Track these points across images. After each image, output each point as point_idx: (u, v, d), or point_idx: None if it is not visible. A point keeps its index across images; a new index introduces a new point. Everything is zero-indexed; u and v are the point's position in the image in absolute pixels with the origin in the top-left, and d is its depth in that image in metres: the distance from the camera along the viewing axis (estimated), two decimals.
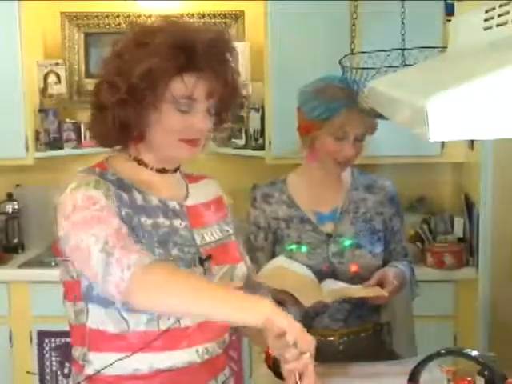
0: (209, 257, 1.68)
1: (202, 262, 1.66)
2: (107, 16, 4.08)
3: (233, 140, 4.00)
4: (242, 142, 3.96)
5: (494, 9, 1.50)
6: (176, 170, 1.76)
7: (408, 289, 2.41)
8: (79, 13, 4.11)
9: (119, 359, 1.58)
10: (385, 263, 2.38)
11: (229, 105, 1.72)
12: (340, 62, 2.46)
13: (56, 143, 3.92)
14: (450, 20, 3.24)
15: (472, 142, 3.46)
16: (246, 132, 3.93)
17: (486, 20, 1.54)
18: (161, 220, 1.66)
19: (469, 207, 3.63)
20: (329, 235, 2.36)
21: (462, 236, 3.70)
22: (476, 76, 1.09)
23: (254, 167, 3.91)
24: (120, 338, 1.59)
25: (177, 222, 1.68)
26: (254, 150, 3.88)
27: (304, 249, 2.33)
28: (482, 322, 3.36)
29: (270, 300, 1.48)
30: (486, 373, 1.74)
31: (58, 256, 1.64)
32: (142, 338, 1.58)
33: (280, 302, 2.26)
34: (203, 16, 4.07)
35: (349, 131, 2.29)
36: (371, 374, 2.17)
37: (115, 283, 1.43)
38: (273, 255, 2.38)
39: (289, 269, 2.26)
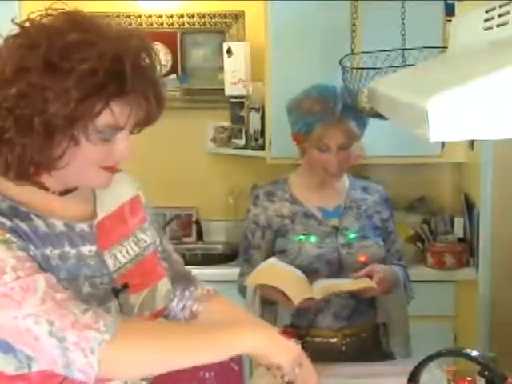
0: (125, 285, 1.49)
1: (116, 293, 1.47)
2: (107, 16, 4.07)
3: (233, 140, 4.00)
4: (242, 142, 3.95)
5: (494, 9, 1.50)
6: (64, 192, 1.48)
7: (402, 291, 2.43)
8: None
9: None
10: None
11: (152, 119, 1.44)
12: (340, 62, 2.46)
13: None
14: (450, 20, 3.24)
15: (472, 142, 3.46)
16: (246, 132, 3.93)
17: (486, 20, 1.54)
18: (67, 249, 1.41)
19: (469, 207, 3.62)
20: (335, 228, 2.39)
21: (462, 236, 3.70)
22: (476, 76, 1.09)
23: (254, 167, 3.91)
24: (19, 378, 1.38)
25: (84, 249, 1.45)
26: (254, 150, 3.88)
27: (313, 239, 2.36)
28: (482, 322, 3.35)
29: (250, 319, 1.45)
30: (486, 373, 1.73)
31: None
32: (45, 378, 1.38)
33: (271, 302, 2.30)
34: (203, 16, 4.06)
35: (329, 143, 2.33)
36: (371, 374, 2.17)
37: (82, 370, 1.28)
38: (271, 253, 2.40)
39: (279, 267, 2.28)
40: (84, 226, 1.47)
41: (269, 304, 2.32)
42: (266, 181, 2.57)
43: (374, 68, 2.29)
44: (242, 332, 1.38)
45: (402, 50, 2.39)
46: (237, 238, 2.83)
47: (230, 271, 3.07)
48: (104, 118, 1.33)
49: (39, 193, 1.42)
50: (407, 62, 2.33)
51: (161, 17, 4.03)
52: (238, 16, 4.07)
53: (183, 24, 4.04)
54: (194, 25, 4.04)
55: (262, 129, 3.80)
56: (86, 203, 1.51)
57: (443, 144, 3.55)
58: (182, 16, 4.04)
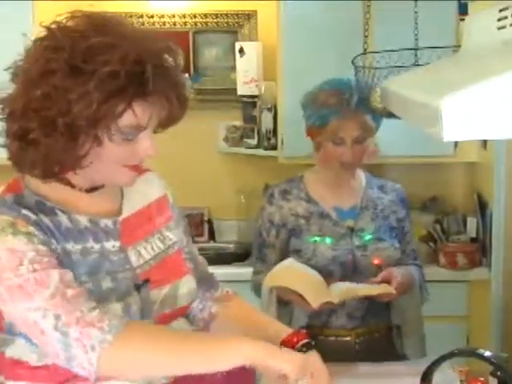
0: (146, 281, 1.52)
1: (138, 288, 1.50)
2: (130, 17, 4.08)
3: (245, 140, 4.00)
4: (254, 141, 3.95)
5: (507, 8, 1.49)
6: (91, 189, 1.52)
7: (417, 291, 2.42)
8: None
9: None
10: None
11: (175, 119, 1.48)
12: (353, 62, 2.46)
13: None
14: (463, 19, 3.23)
15: (485, 141, 3.45)
16: (259, 132, 3.93)
17: (499, 19, 1.53)
18: (90, 245, 1.46)
19: (482, 207, 3.61)
20: (350, 229, 2.38)
21: (474, 236, 3.69)
22: (490, 76, 1.09)
23: (266, 167, 3.91)
24: (42, 368, 1.44)
25: (108, 244, 1.49)
26: (266, 149, 3.88)
27: (328, 240, 2.35)
28: (494, 323, 3.34)
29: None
30: (498, 373, 1.73)
31: None
32: (66, 368, 1.40)
33: (287, 302, 2.29)
34: (215, 16, 4.06)
35: (344, 136, 2.33)
36: (383, 374, 2.17)
37: (81, 366, 1.32)
38: (285, 252, 2.39)
39: (297, 268, 2.27)
40: (108, 222, 1.51)
41: (284, 304, 2.31)
42: (278, 180, 2.56)
43: (387, 67, 2.29)
44: (241, 344, 1.37)
45: (414, 49, 2.38)
46: (249, 238, 2.83)
47: (242, 271, 3.07)
48: (126, 119, 1.36)
49: (66, 189, 1.46)
50: (420, 62, 2.32)
51: (173, 17, 4.04)
52: (250, 16, 4.07)
53: (195, 24, 4.04)
54: (206, 25, 4.04)
55: (275, 128, 3.79)
56: (113, 200, 1.55)
57: (456, 143, 3.54)
58: (194, 16, 4.04)
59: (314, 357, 1.51)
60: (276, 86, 3.76)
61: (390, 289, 2.23)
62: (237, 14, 4.08)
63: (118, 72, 1.32)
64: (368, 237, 2.38)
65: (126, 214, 1.55)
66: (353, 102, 2.32)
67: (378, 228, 2.40)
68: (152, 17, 4.02)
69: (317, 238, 2.35)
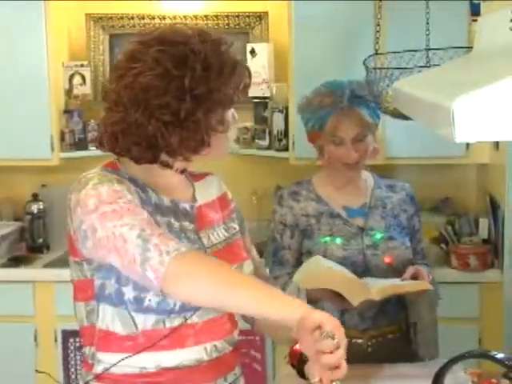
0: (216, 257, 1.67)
1: None
2: (132, 17, 4.10)
3: (256, 141, 4.00)
4: (265, 143, 3.96)
5: None
6: (183, 170, 1.74)
7: (433, 291, 2.40)
8: (104, 14, 4.12)
9: (124, 358, 1.60)
10: None
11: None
12: (364, 63, 2.46)
13: (81, 144, 3.94)
14: (475, 20, 3.23)
15: (497, 142, 3.44)
16: (270, 133, 3.93)
17: (511, 20, 1.53)
18: (172, 221, 1.66)
19: (494, 208, 3.60)
20: (361, 228, 2.38)
21: (486, 237, 3.67)
22: (502, 77, 1.08)
23: (277, 168, 3.91)
24: (128, 338, 1.61)
25: (186, 224, 1.69)
26: (277, 150, 3.88)
27: (338, 240, 2.35)
28: (507, 324, 3.33)
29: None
30: (511, 375, 1.72)
31: (72, 255, 1.64)
32: (150, 337, 1.59)
33: (316, 301, 2.26)
34: (227, 17, 4.07)
35: (342, 135, 2.33)
36: (394, 376, 2.17)
37: (154, 268, 1.41)
38: (300, 253, 2.39)
39: (331, 267, 2.25)
40: (187, 206, 1.72)
41: (313, 304, 2.27)
42: (290, 182, 2.57)
43: (399, 68, 2.28)
44: (298, 300, 1.44)
45: (426, 50, 2.38)
46: (260, 239, 2.83)
47: None
48: (232, 116, 1.69)
49: (151, 171, 1.66)
50: (432, 63, 2.32)
51: (185, 18, 4.04)
52: (261, 17, 4.07)
53: (207, 25, 4.04)
54: (217, 26, 4.05)
55: (286, 129, 3.80)
56: (188, 190, 1.77)
57: (468, 145, 3.53)
58: (205, 17, 4.05)
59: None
60: (287, 87, 3.76)
61: (427, 285, 2.22)
62: (248, 15, 4.08)
63: (233, 72, 1.65)
64: (379, 236, 2.37)
65: (200, 202, 1.76)
66: (345, 98, 2.32)
67: (389, 227, 2.40)
68: (164, 18, 4.03)
69: (327, 239, 2.35)
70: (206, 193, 1.81)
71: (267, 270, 1.96)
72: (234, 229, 1.82)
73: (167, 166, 1.66)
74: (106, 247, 1.48)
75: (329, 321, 1.33)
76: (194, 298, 1.46)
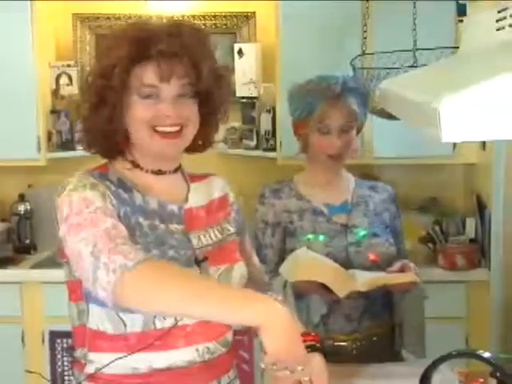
0: (205, 258, 1.68)
1: (198, 262, 1.66)
2: (119, 18, 4.08)
3: (244, 141, 4.00)
4: (253, 143, 3.96)
5: (506, 9, 1.50)
6: (176, 170, 1.76)
7: (420, 288, 2.40)
8: (91, 14, 4.11)
9: (116, 359, 1.59)
10: None
11: (211, 95, 1.70)
12: (351, 63, 2.46)
13: (68, 144, 3.93)
14: (461, 20, 3.23)
15: (484, 142, 3.45)
16: (258, 133, 3.93)
17: (498, 20, 1.54)
18: (157, 223, 1.66)
19: (480, 208, 3.61)
20: (344, 225, 2.38)
21: (473, 237, 3.69)
22: (488, 77, 1.09)
23: (265, 168, 3.91)
24: (119, 338, 1.61)
25: (172, 226, 1.69)
26: (265, 151, 3.88)
27: (321, 238, 2.34)
28: (494, 324, 3.34)
29: (277, 298, 1.49)
30: (498, 374, 1.73)
31: (61, 257, 1.65)
32: (140, 338, 1.59)
33: (302, 295, 2.25)
34: (214, 17, 4.07)
35: (330, 124, 2.34)
36: (381, 375, 2.16)
37: (102, 287, 1.42)
38: (283, 251, 2.38)
39: (316, 259, 2.25)
40: (174, 207, 1.71)
41: (300, 297, 2.27)
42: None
43: (386, 68, 2.29)
44: (255, 304, 1.37)
45: (413, 50, 2.39)
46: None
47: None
48: (139, 77, 1.61)
49: (139, 173, 1.69)
50: (419, 63, 2.32)
51: (172, 18, 4.03)
52: (248, 17, 4.07)
53: None
54: (204, 26, 4.04)
55: (273, 130, 3.80)
56: (180, 192, 1.76)
57: (455, 145, 3.54)
58: (192, 17, 4.04)
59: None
60: (275, 87, 3.76)
61: (415, 277, 2.22)
62: (235, 16, 4.08)
63: (127, 36, 1.68)
64: (362, 233, 2.37)
65: (190, 204, 1.75)
66: (337, 87, 2.32)
67: (372, 224, 2.40)
68: (150, 18, 4.00)
69: (310, 236, 2.35)
70: (203, 194, 1.80)
71: (266, 277, 1.94)
72: (229, 231, 1.81)
73: (137, 166, 1.70)
74: (73, 261, 1.54)
75: (270, 356, 1.34)
76: (148, 309, 1.46)
